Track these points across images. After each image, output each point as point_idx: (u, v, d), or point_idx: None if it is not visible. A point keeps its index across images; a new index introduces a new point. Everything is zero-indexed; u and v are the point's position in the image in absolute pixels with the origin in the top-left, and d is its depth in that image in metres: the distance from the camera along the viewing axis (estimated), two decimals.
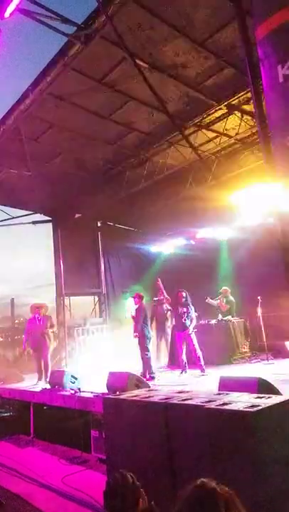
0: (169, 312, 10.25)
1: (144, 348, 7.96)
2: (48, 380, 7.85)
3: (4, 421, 8.30)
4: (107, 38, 6.03)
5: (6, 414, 8.46)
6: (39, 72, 6.95)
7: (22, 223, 12.44)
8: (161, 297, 10.36)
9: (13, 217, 12.03)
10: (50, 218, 13.14)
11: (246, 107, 8.04)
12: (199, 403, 3.59)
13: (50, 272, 13.20)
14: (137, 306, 8.24)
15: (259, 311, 8.87)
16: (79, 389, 6.76)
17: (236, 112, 8.25)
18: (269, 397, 3.45)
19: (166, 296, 7.97)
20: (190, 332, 7.88)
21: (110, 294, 13.81)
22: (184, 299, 8.17)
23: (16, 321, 15.78)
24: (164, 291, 7.91)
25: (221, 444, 3.17)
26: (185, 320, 7.95)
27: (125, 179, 10.96)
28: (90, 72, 6.99)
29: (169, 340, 9.93)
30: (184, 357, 7.91)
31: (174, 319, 8.88)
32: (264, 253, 9.74)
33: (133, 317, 8.23)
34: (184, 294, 8.22)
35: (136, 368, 8.04)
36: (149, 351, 8.00)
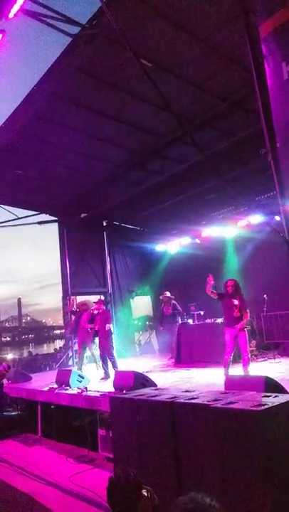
0: (176, 310, 10.38)
1: (110, 350, 8.45)
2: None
3: (12, 420, 8.35)
4: (111, 37, 6.02)
5: (13, 414, 8.51)
6: (44, 72, 6.99)
7: (28, 223, 12.51)
8: (166, 295, 10.50)
9: (19, 218, 12.08)
10: (56, 218, 13.19)
11: (251, 105, 7.99)
12: (205, 402, 3.59)
13: (57, 272, 13.27)
14: (101, 310, 8.77)
15: (265, 309, 8.84)
16: (86, 388, 6.79)
17: (241, 110, 8.21)
18: (276, 396, 3.45)
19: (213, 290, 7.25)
20: (243, 327, 6.92)
21: (116, 293, 13.86)
22: (233, 289, 7.07)
23: (24, 321, 15.95)
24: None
25: (227, 443, 3.17)
26: (238, 314, 6.88)
27: (131, 178, 10.97)
28: (94, 72, 6.99)
29: (175, 338, 9.98)
30: (230, 357, 6.94)
31: (223, 314, 7.47)
32: (270, 251, 9.72)
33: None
34: (233, 283, 7.15)
35: (141, 367, 8.08)
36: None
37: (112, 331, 8.65)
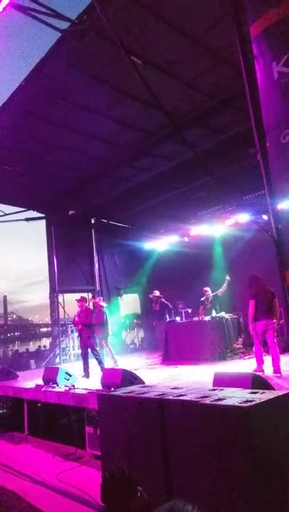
0: (166, 308, 10.47)
1: (95, 347, 8.39)
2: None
3: None
4: (102, 33, 5.99)
5: None
6: (32, 67, 6.91)
7: (15, 220, 12.38)
8: (155, 294, 10.61)
9: (6, 214, 11.97)
10: (43, 215, 13.09)
11: (241, 104, 8.03)
12: (194, 399, 3.60)
13: (44, 269, 13.18)
14: (84, 308, 8.63)
15: None
16: (73, 386, 6.77)
17: (230, 109, 8.25)
18: (263, 393, 3.48)
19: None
20: (276, 321, 6.52)
21: (104, 291, 13.83)
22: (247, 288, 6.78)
23: (9, 318, 15.79)
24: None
25: (215, 439, 3.19)
26: (252, 312, 6.64)
27: (119, 176, 10.94)
28: (84, 68, 6.95)
29: (163, 335, 10.03)
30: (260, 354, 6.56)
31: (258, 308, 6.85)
32: (258, 250, 9.80)
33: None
34: (247, 281, 6.90)
35: (129, 365, 8.09)
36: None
37: (94, 328, 8.52)
